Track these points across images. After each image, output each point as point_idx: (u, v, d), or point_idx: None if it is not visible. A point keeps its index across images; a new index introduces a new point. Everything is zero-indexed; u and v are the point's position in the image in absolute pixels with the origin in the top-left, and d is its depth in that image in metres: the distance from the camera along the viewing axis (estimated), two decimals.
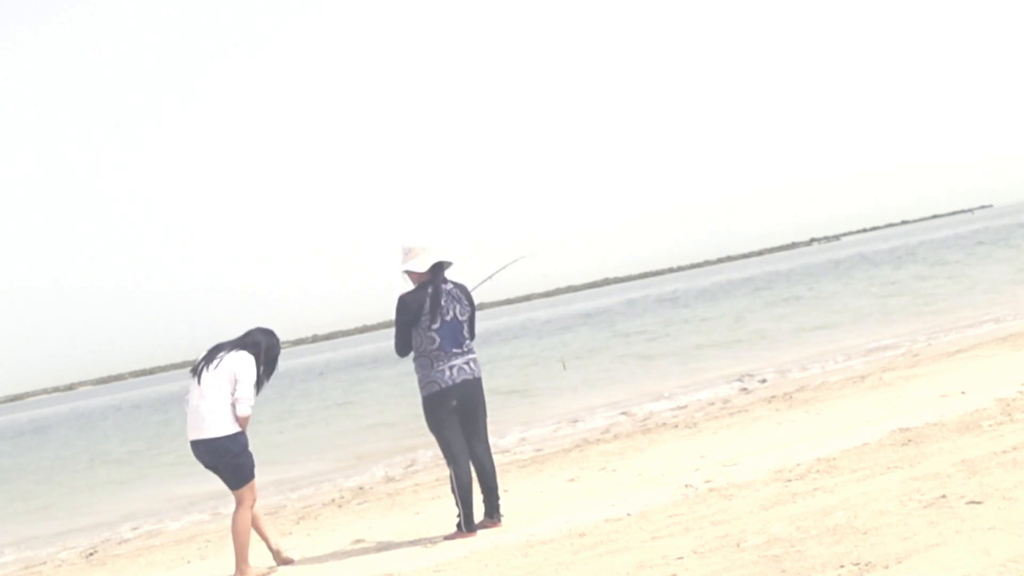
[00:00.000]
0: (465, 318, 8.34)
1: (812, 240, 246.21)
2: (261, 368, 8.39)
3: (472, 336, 8.41)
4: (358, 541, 9.07)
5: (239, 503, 8.26)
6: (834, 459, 8.46)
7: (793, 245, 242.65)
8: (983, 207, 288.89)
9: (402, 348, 8.34)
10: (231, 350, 8.29)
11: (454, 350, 8.24)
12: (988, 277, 32.05)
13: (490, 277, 9.40)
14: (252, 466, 8.24)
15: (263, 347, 8.41)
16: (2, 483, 26.83)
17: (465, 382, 8.25)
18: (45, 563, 12.61)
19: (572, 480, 10.27)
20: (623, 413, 16.68)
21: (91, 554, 12.51)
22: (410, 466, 15.22)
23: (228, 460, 8.15)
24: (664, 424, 14.10)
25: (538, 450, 14.19)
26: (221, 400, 8.14)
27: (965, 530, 5.70)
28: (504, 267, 9.57)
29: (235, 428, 8.14)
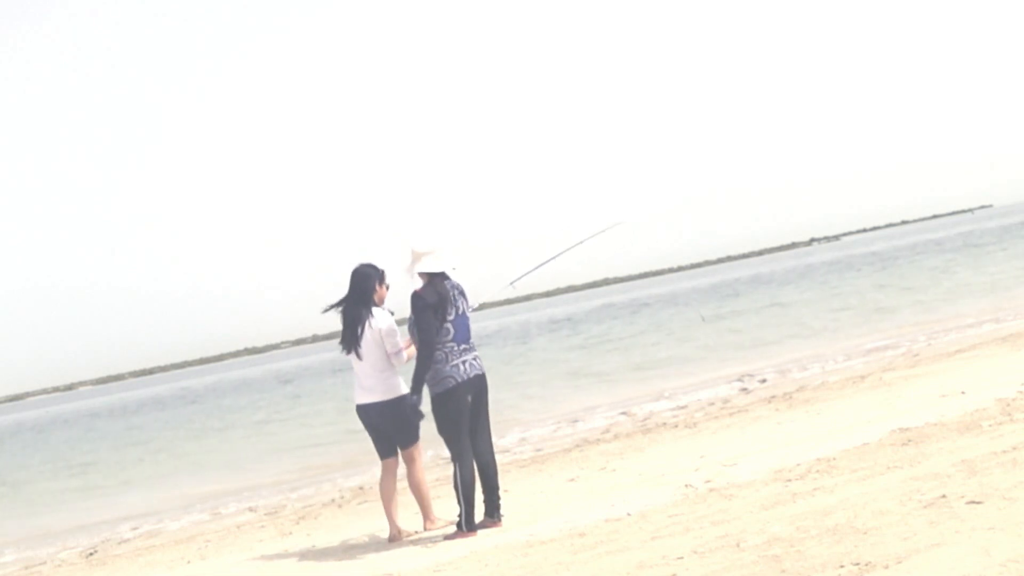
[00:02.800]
0: (470, 313, 8.45)
1: (812, 240, 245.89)
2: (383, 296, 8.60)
3: None
4: (358, 541, 9.07)
5: (410, 462, 8.63)
6: (834, 459, 8.46)
7: (793, 245, 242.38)
8: (983, 207, 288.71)
9: (428, 343, 8.12)
10: (364, 316, 8.53)
11: (463, 345, 8.29)
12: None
13: (568, 249, 9.58)
14: (418, 425, 8.55)
15: (372, 288, 8.59)
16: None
17: (477, 377, 8.32)
18: (45, 563, 12.59)
19: (572, 480, 10.26)
20: (623, 413, 16.68)
21: (91, 554, 12.49)
22: None
23: (395, 421, 8.51)
24: (664, 424, 14.09)
25: (538, 450, 14.18)
26: (379, 365, 8.51)
27: (965, 530, 5.70)
28: (595, 235, 9.73)
29: (398, 392, 8.48)
